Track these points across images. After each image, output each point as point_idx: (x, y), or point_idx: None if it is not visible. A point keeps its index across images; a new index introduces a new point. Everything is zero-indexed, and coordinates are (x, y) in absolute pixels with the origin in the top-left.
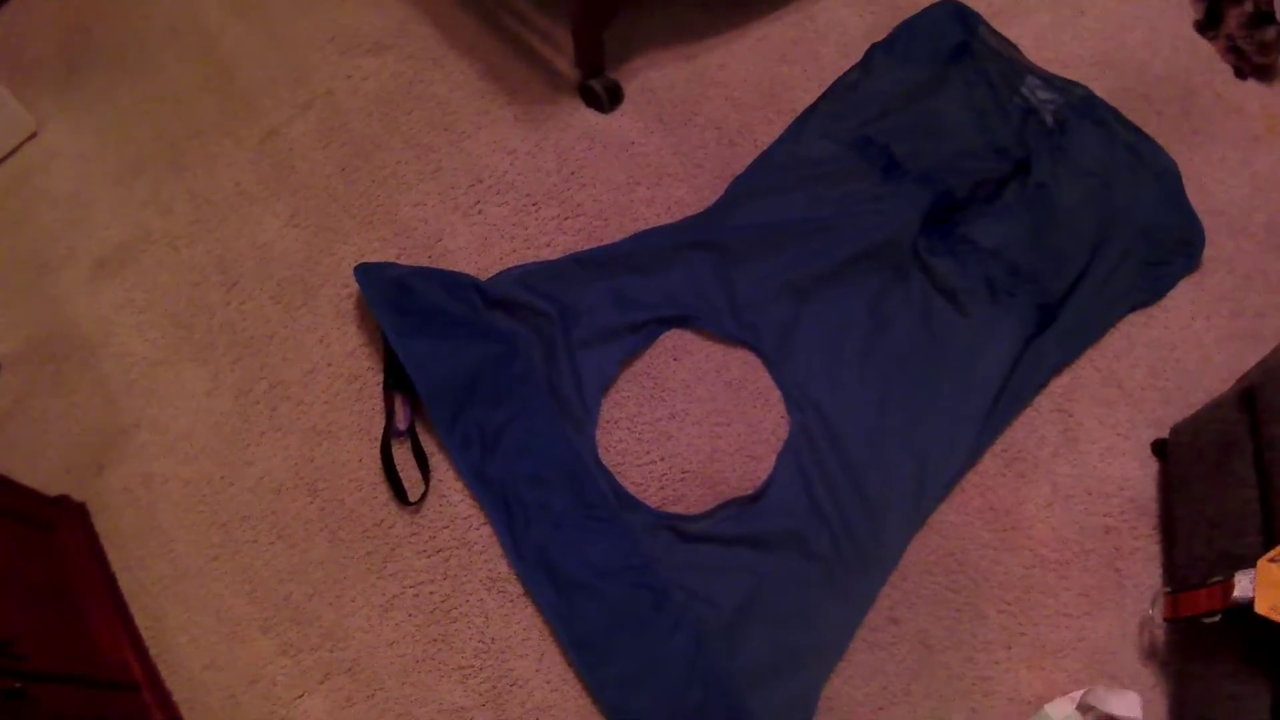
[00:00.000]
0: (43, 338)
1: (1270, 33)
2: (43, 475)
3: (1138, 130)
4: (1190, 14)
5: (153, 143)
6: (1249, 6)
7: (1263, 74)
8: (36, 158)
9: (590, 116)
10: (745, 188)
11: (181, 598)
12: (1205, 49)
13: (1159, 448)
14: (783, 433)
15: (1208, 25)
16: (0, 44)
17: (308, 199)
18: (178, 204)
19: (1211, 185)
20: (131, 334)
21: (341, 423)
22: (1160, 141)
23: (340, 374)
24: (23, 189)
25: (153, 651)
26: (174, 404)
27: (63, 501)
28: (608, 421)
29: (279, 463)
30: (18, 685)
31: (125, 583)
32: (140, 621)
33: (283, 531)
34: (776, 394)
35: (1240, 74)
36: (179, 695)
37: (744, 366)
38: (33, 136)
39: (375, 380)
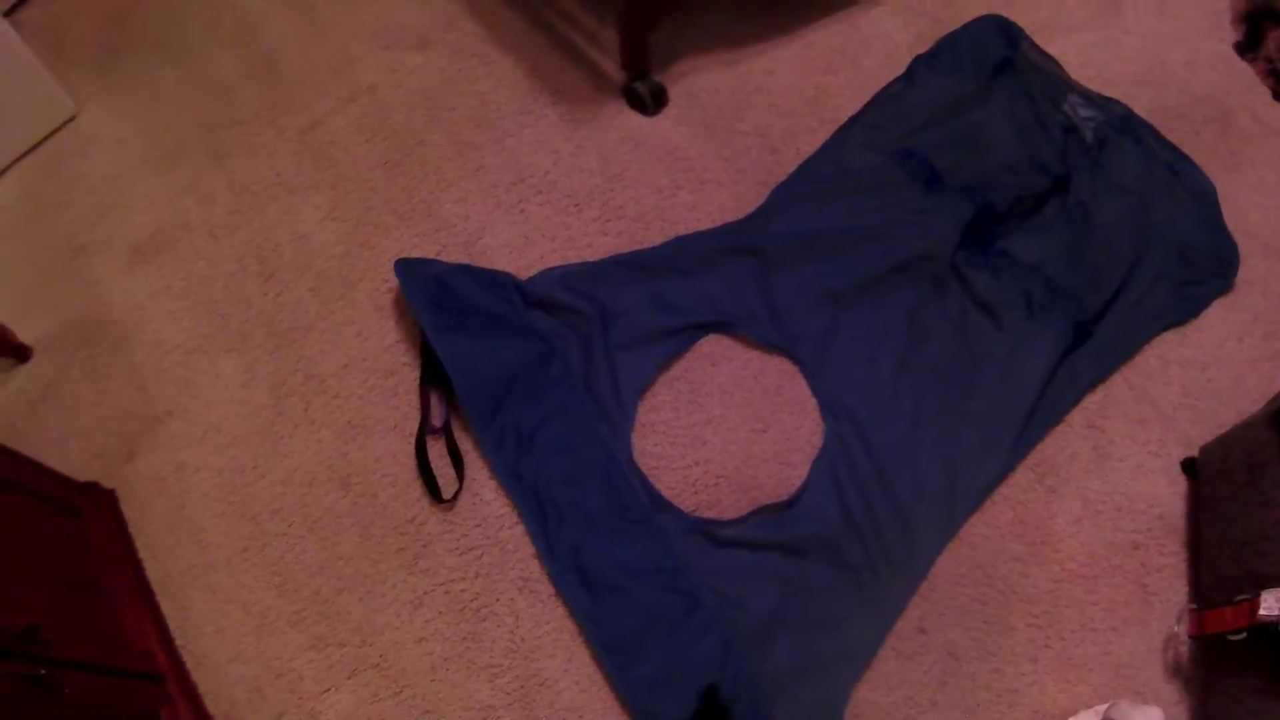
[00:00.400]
0: (76, 323)
1: None
2: (73, 461)
3: (1176, 150)
4: (1231, 36)
5: (192, 130)
6: None
7: None
8: (75, 141)
9: (634, 119)
10: (787, 195)
11: (209, 588)
12: (1245, 71)
13: (1189, 466)
14: (817, 441)
15: (1248, 47)
16: (41, 26)
17: (348, 192)
18: (217, 192)
19: (1248, 207)
20: (166, 321)
21: (376, 418)
22: (1197, 162)
23: (377, 369)
24: (60, 172)
25: (179, 642)
26: (207, 393)
27: (92, 488)
28: (644, 424)
29: (312, 456)
30: (42, 672)
31: (153, 572)
32: (167, 611)
33: (314, 525)
34: (812, 402)
35: (1279, 96)
36: (204, 687)
37: (781, 374)
38: (71, 120)
39: (411, 376)
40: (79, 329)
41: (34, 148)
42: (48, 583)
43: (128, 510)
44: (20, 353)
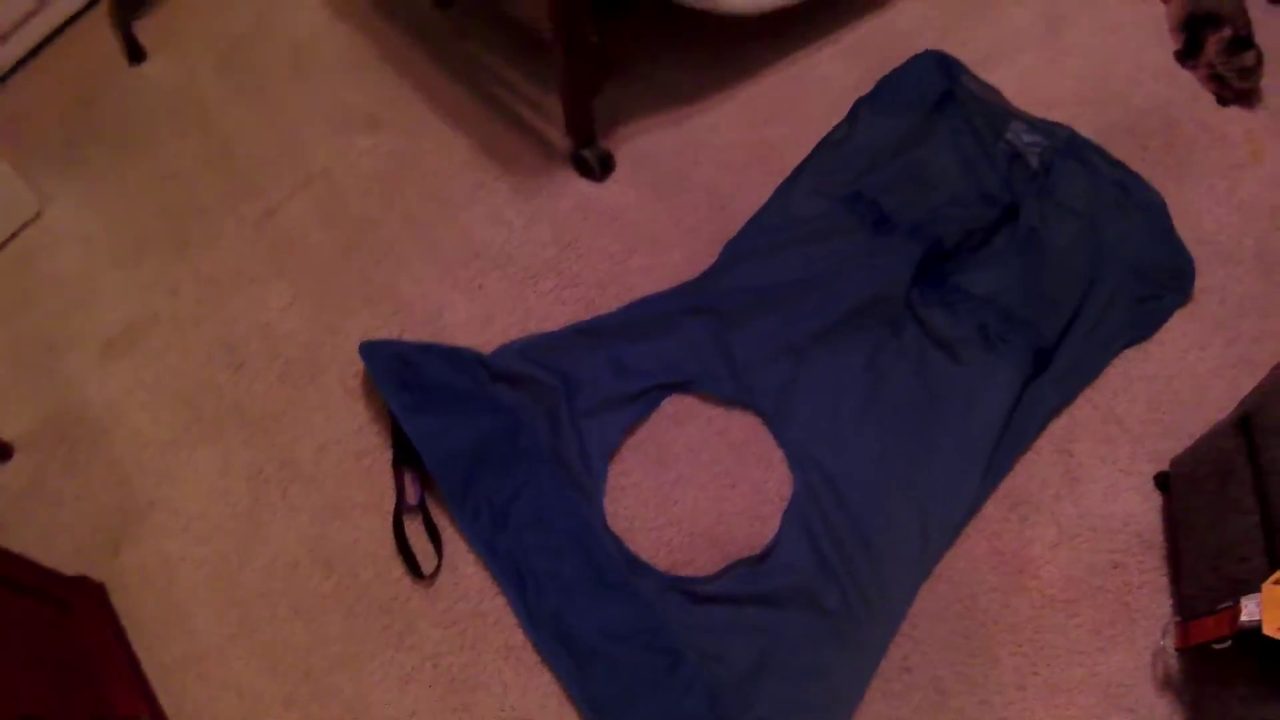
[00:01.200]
0: (54, 418)
1: (1249, 58)
2: (59, 555)
3: (1123, 166)
4: (1171, 45)
5: (156, 222)
6: (1227, 33)
7: (1244, 99)
8: (41, 239)
9: (584, 186)
10: (739, 251)
11: (202, 675)
12: (1187, 79)
13: (1161, 481)
14: (787, 492)
15: (1187, 55)
16: (1, 124)
17: (310, 278)
18: (183, 284)
19: (1200, 215)
20: (142, 415)
21: (353, 499)
22: (1147, 175)
23: (349, 451)
24: (28, 270)
25: None
26: (187, 484)
27: (82, 582)
28: (615, 489)
29: (293, 541)
30: None
31: (146, 661)
32: (162, 700)
33: (300, 608)
34: (779, 454)
35: (1223, 101)
36: None
37: (745, 428)
38: (37, 217)
39: (384, 456)
40: (57, 425)
41: (0, 246)
42: (42, 676)
43: (117, 601)
44: (1, 450)
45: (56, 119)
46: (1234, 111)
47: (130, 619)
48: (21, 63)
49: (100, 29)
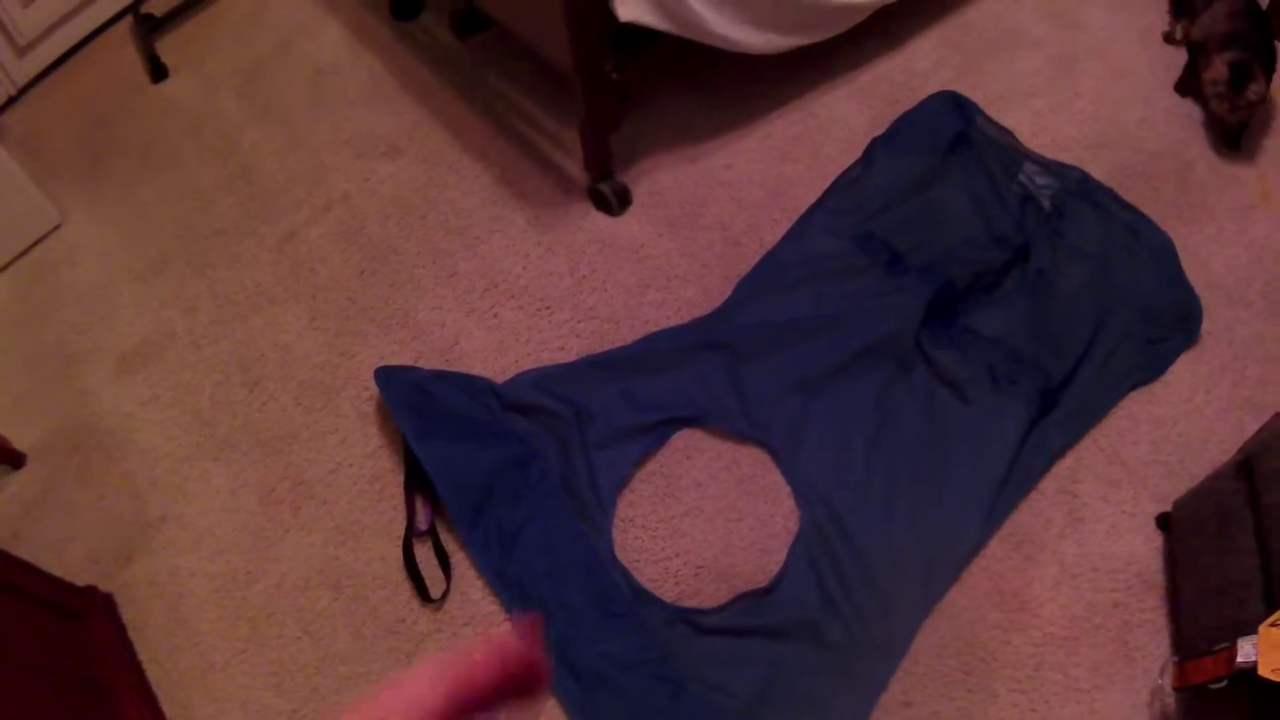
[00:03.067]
0: (69, 429)
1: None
2: (70, 565)
3: (1134, 209)
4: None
5: (175, 240)
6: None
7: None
8: (60, 251)
9: (600, 219)
10: (752, 287)
11: (209, 689)
12: (1199, 124)
13: (1163, 521)
14: (793, 526)
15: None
16: (23, 135)
17: (327, 301)
18: (200, 302)
19: (1209, 258)
20: (155, 430)
21: (364, 522)
22: (1158, 217)
23: (362, 474)
24: (47, 281)
25: None
26: (199, 500)
27: (90, 592)
28: (624, 520)
29: (303, 560)
30: None
31: (152, 674)
32: (168, 712)
33: (308, 627)
34: (786, 489)
35: (1233, 146)
36: None
37: (754, 463)
38: (57, 229)
39: (396, 481)
40: (71, 436)
41: (20, 256)
42: (49, 685)
43: (126, 613)
44: (15, 459)
45: (77, 134)
46: (1244, 155)
47: (139, 631)
48: (43, 75)
49: (123, 46)
